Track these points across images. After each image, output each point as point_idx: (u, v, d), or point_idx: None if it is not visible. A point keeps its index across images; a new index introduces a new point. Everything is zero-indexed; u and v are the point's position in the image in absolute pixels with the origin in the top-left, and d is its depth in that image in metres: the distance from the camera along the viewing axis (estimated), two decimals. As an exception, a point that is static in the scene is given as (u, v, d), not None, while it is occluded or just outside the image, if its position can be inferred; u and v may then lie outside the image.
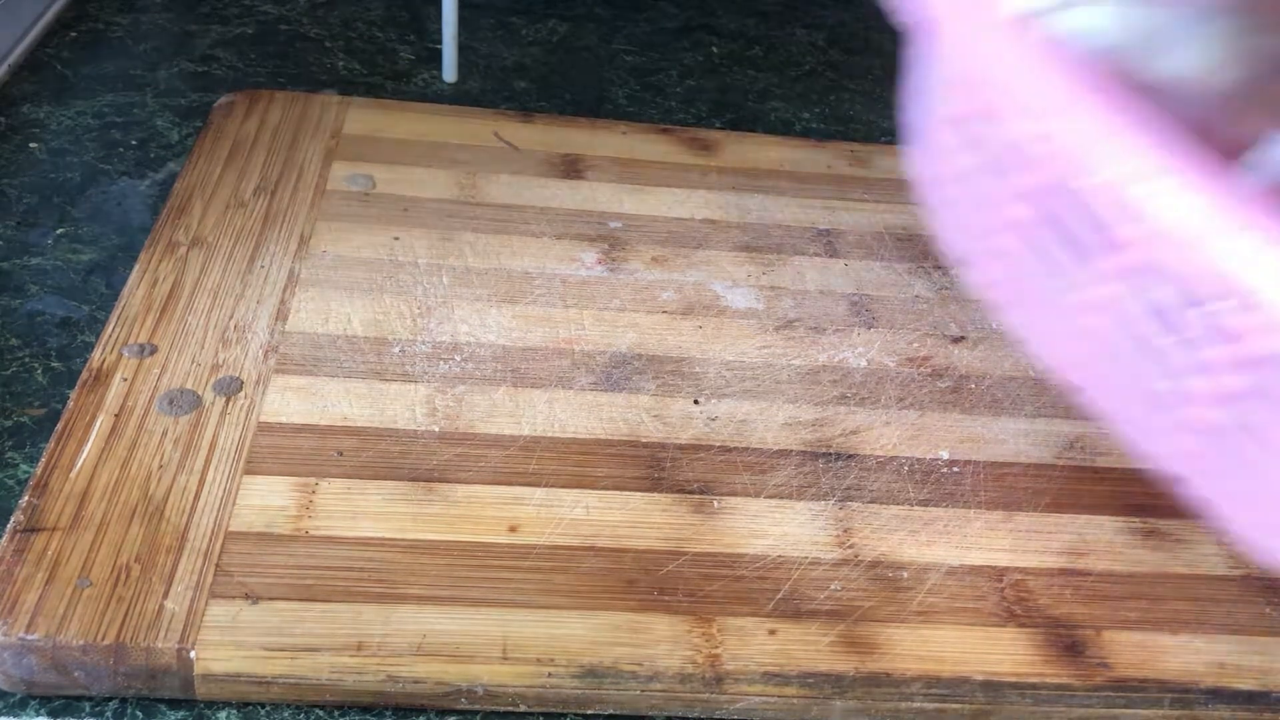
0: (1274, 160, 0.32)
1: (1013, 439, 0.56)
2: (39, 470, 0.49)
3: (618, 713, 0.45)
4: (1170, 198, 0.31)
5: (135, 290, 0.59)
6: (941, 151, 0.44)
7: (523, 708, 0.44)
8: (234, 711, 0.44)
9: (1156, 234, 0.32)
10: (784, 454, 0.54)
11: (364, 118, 0.73)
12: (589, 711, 0.45)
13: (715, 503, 0.51)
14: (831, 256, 0.66)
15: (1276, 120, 0.38)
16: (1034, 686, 0.45)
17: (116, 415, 0.52)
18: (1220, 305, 0.33)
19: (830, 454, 0.54)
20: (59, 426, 0.51)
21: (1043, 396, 0.58)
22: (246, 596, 0.45)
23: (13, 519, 0.47)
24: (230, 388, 0.54)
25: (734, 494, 0.52)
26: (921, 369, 0.59)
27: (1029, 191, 0.38)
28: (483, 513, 0.50)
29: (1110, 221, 0.34)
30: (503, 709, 0.44)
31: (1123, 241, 0.34)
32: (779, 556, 0.49)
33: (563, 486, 0.51)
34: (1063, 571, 0.50)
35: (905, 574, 0.49)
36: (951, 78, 0.42)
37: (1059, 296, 0.38)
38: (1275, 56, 0.38)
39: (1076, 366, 0.39)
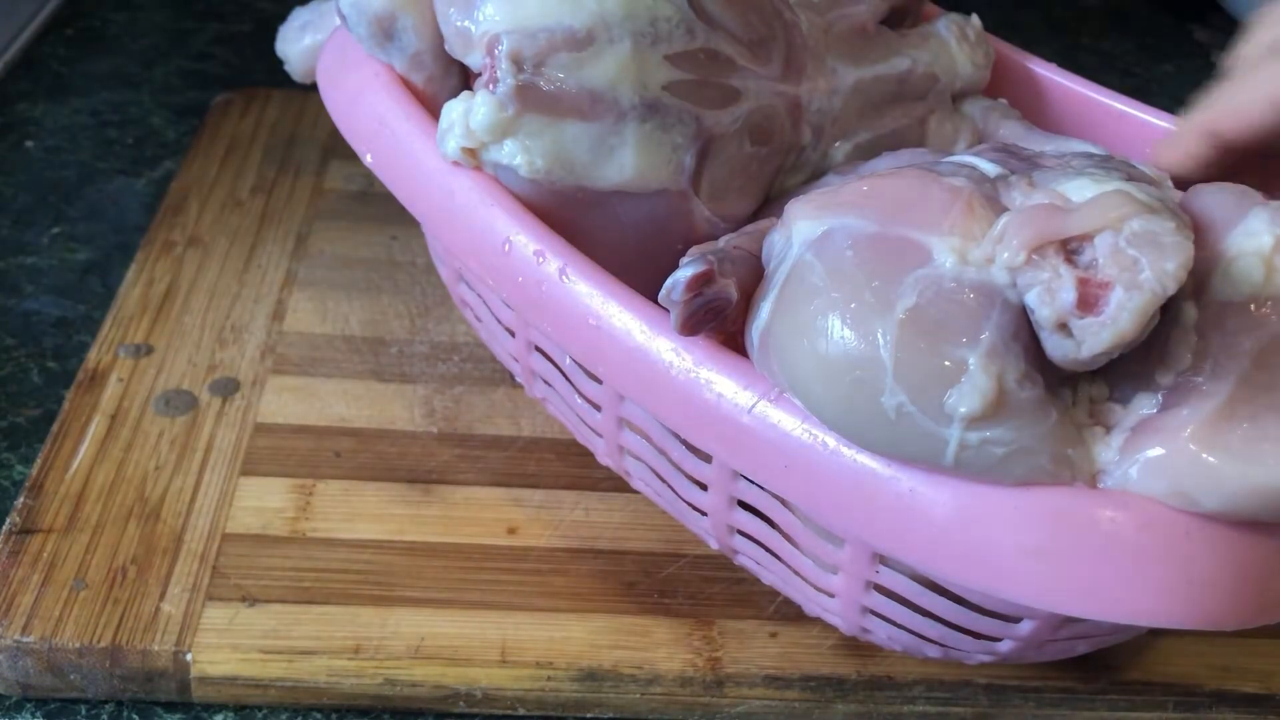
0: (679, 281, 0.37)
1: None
2: (34, 471, 0.49)
3: (617, 716, 0.44)
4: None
5: (131, 290, 0.58)
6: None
7: (521, 711, 0.44)
8: (231, 714, 0.44)
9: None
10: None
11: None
12: (588, 715, 0.44)
13: (715, 504, 0.51)
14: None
15: (716, 205, 0.45)
16: (1037, 690, 0.45)
17: (112, 416, 0.51)
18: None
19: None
20: (54, 427, 0.51)
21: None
22: (243, 599, 0.45)
23: (8, 520, 0.47)
24: (227, 388, 0.54)
25: (734, 495, 0.51)
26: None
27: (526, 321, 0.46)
28: (481, 514, 0.49)
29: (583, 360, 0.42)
30: (501, 712, 0.44)
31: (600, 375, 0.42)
32: (780, 558, 0.49)
33: (562, 488, 0.51)
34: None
35: (907, 576, 0.49)
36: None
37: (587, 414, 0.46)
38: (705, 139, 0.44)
39: (629, 475, 0.48)
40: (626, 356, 0.39)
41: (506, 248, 0.42)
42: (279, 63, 0.58)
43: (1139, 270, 0.32)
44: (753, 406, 0.37)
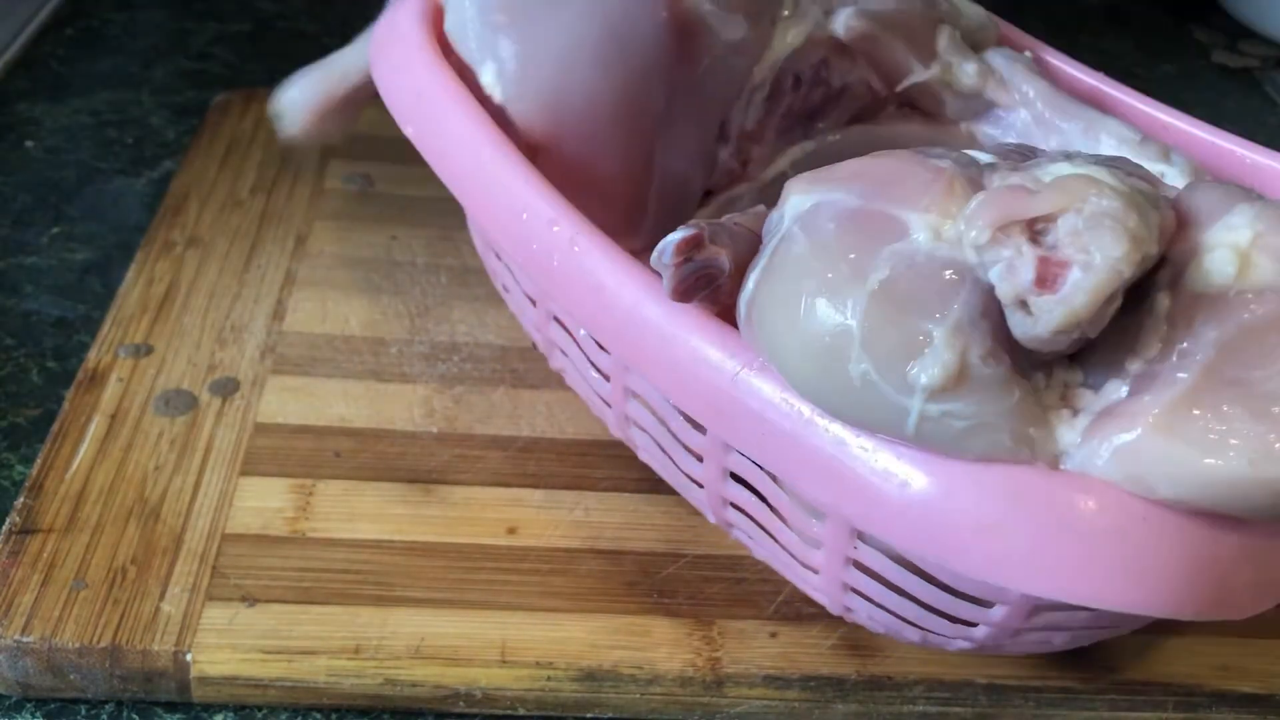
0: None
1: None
2: (34, 471, 0.49)
3: (617, 716, 0.44)
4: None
5: (131, 290, 0.58)
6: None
7: (521, 711, 0.44)
8: (230, 714, 0.44)
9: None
10: (784, 455, 0.53)
11: (361, 116, 0.72)
12: (588, 715, 0.44)
13: (715, 504, 0.51)
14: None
15: None
16: (1037, 690, 0.45)
17: (112, 416, 0.51)
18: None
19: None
20: (54, 427, 0.51)
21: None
22: (243, 599, 0.45)
23: (8, 520, 0.47)
24: (226, 388, 0.54)
25: (734, 495, 0.51)
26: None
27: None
28: (481, 514, 0.49)
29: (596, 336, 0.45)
30: (501, 712, 0.44)
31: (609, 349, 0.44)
32: (780, 558, 0.49)
33: (562, 488, 0.51)
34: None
35: (907, 576, 0.49)
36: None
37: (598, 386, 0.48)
38: None
39: (636, 446, 0.49)
40: (625, 323, 0.41)
41: (524, 216, 0.43)
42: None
43: (1093, 252, 0.33)
44: (736, 375, 0.38)
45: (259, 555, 0.46)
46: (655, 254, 0.38)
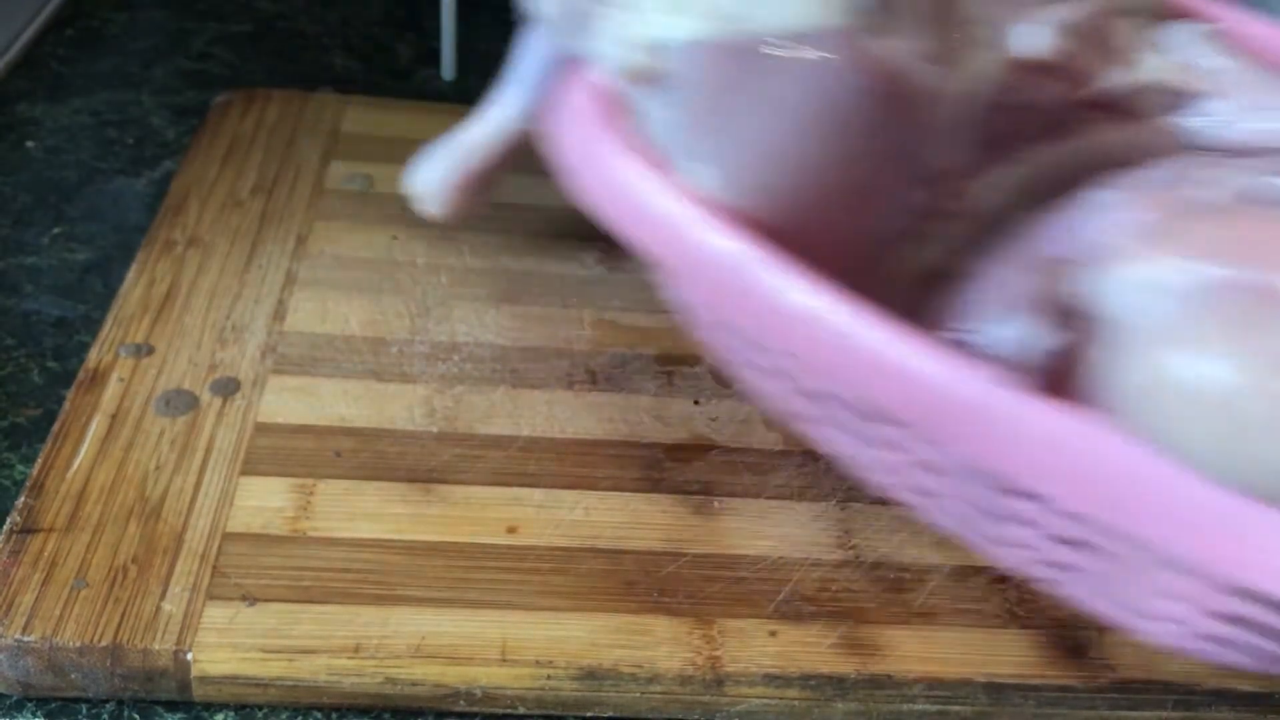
0: (1000, 339, 0.38)
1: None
2: (35, 471, 0.49)
3: (617, 715, 0.44)
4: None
5: (132, 290, 0.58)
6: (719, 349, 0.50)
7: (521, 710, 0.44)
8: (231, 713, 0.44)
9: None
10: (785, 454, 0.53)
11: (362, 116, 0.73)
12: (588, 714, 0.44)
13: (716, 504, 0.51)
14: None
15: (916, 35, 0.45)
16: (1037, 688, 0.45)
17: (113, 416, 0.52)
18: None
19: (831, 454, 0.54)
20: (55, 427, 0.51)
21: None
22: (244, 598, 0.45)
23: (9, 520, 0.47)
24: (227, 388, 0.54)
25: (734, 495, 0.51)
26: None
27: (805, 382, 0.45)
28: (481, 514, 0.49)
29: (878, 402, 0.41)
30: (501, 711, 0.44)
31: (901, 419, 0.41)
32: (780, 558, 0.49)
33: (562, 487, 0.51)
34: (1065, 573, 0.50)
35: (907, 575, 0.49)
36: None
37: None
38: None
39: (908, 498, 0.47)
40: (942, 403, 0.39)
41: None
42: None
43: None
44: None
45: (259, 554, 0.46)
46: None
